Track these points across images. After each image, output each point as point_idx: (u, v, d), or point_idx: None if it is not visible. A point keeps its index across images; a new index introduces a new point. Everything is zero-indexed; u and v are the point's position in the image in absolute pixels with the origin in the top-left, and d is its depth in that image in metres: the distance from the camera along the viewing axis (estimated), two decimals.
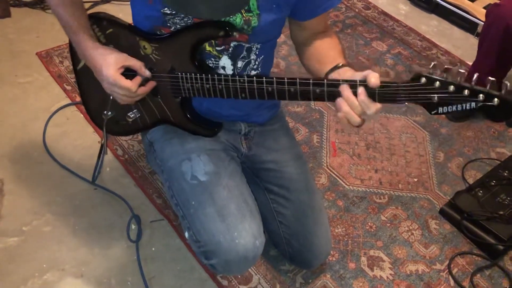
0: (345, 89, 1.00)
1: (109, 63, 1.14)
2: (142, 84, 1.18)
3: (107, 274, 1.49)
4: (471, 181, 1.90)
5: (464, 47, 2.61)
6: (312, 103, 2.15)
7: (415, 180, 1.90)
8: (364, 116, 1.02)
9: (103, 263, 1.52)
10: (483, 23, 2.14)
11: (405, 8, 2.89)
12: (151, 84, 1.20)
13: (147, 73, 1.18)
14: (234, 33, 1.14)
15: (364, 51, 2.50)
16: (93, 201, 1.67)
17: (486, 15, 2.05)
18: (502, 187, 1.79)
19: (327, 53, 1.21)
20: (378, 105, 0.99)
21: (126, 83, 1.14)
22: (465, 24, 2.74)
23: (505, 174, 1.84)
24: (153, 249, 1.57)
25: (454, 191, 1.82)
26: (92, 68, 1.20)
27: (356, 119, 1.01)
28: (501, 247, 1.64)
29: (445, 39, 2.68)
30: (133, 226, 1.61)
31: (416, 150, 2.02)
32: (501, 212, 1.69)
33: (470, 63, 2.21)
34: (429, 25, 2.78)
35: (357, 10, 2.80)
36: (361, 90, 0.99)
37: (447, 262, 1.64)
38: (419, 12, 2.87)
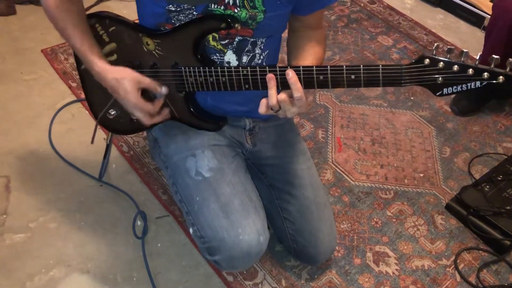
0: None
1: (126, 89, 1.15)
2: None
3: (113, 270, 1.50)
4: (477, 176, 1.89)
5: (470, 41, 2.59)
6: (317, 97, 2.14)
7: (421, 175, 1.89)
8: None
9: (109, 259, 1.52)
10: (489, 17, 2.12)
11: (411, 2, 2.87)
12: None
13: (164, 90, 1.19)
14: (236, 25, 1.13)
15: (370, 46, 2.48)
16: (99, 198, 1.68)
17: (493, 8, 2.03)
18: (509, 182, 1.78)
19: (304, 58, 1.23)
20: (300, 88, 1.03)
21: (147, 106, 1.18)
22: (471, 17, 2.72)
23: None
24: (159, 245, 1.57)
25: (460, 186, 1.81)
26: (109, 91, 1.21)
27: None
28: (508, 242, 1.63)
29: (451, 33, 2.66)
30: (138, 222, 1.62)
31: (422, 145, 2.01)
32: (508, 207, 1.68)
33: (477, 57, 2.18)
34: (435, 19, 2.75)
35: (362, 4, 2.78)
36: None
37: (453, 258, 1.63)
38: (424, 6, 2.85)
